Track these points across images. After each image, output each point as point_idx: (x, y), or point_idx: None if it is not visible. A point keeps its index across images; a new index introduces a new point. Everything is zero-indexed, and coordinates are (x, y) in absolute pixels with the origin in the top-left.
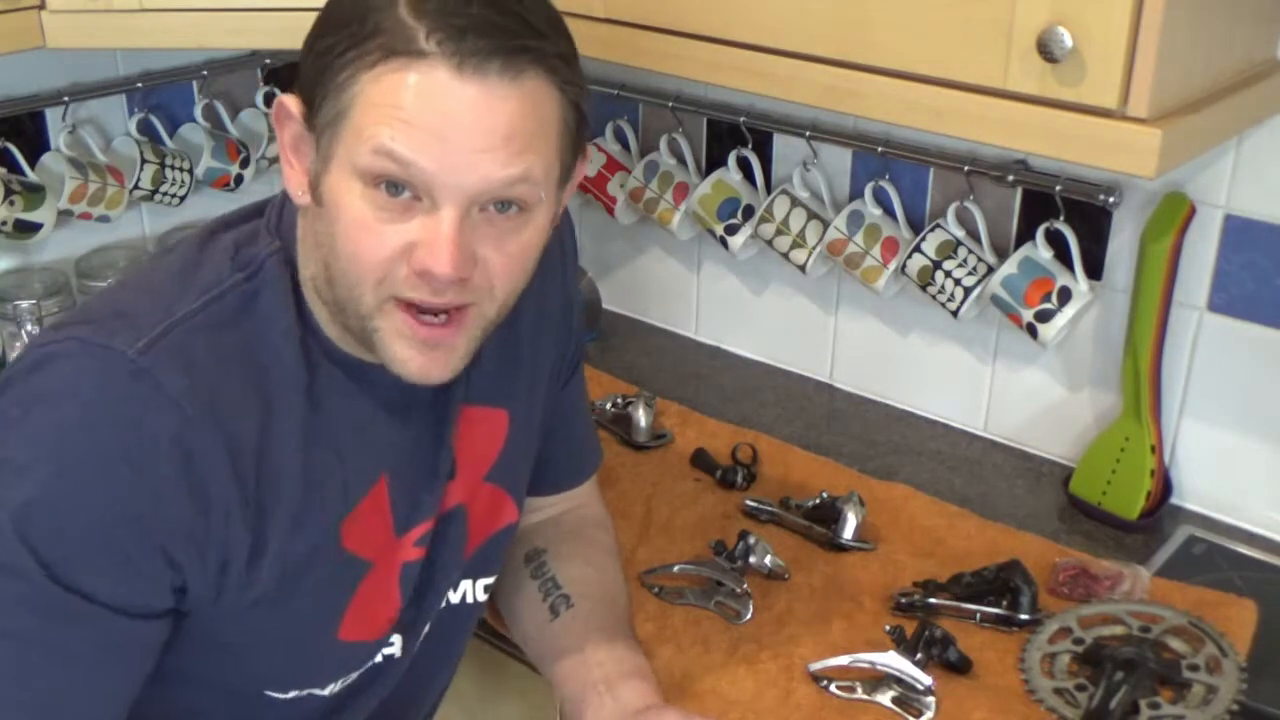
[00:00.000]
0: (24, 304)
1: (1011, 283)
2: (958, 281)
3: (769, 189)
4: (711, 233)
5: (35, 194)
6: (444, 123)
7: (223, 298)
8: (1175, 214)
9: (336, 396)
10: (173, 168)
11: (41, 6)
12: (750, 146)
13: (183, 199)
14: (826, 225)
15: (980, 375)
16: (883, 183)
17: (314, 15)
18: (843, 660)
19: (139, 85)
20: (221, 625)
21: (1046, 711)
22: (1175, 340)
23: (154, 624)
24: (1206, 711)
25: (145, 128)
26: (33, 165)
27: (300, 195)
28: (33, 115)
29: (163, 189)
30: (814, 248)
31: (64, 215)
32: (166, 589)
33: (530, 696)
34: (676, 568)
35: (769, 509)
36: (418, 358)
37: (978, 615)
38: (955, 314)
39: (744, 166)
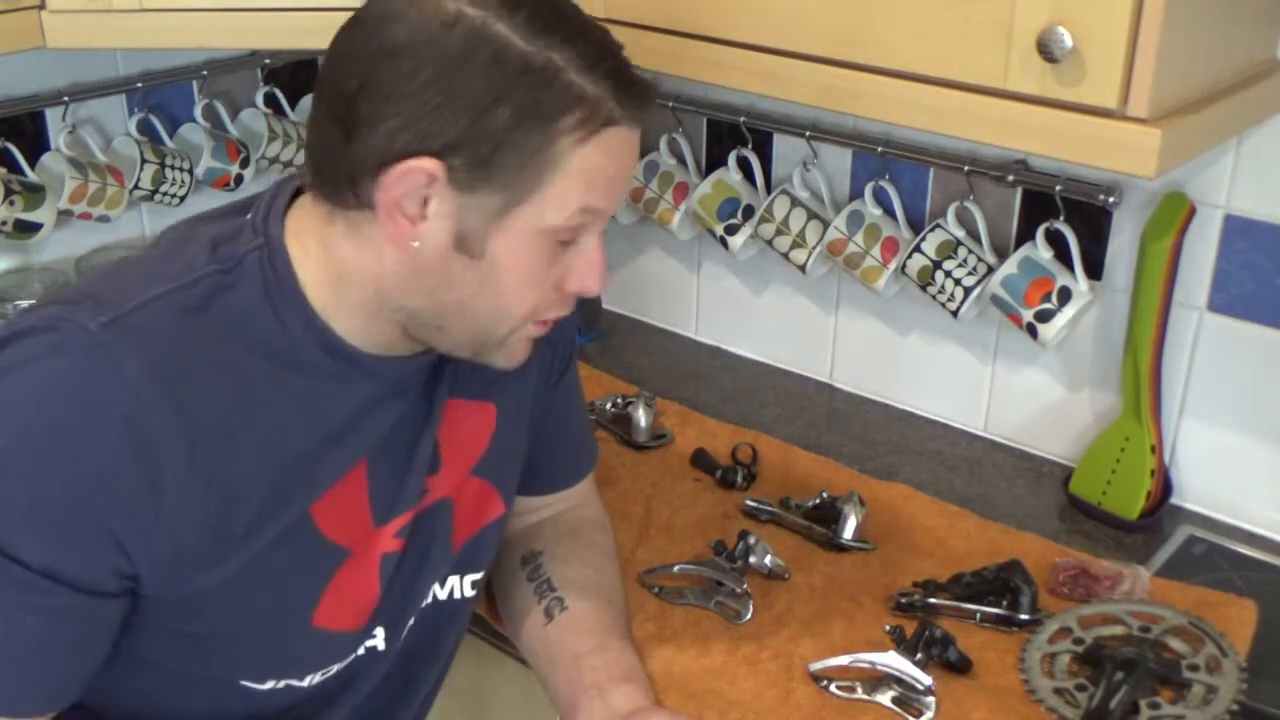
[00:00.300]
0: (24, 304)
1: (1011, 283)
2: (958, 281)
3: (769, 189)
4: (711, 233)
5: (35, 194)
6: (628, 170)
7: (194, 285)
8: (1175, 214)
9: (322, 384)
10: (173, 168)
11: (41, 6)
12: (750, 146)
13: (183, 199)
14: (826, 225)
15: (980, 375)
16: (883, 183)
17: (314, 15)
18: (843, 660)
19: (139, 85)
20: (192, 609)
21: (1046, 711)
22: (1175, 340)
23: (106, 602)
24: (1206, 711)
25: (145, 128)
26: (33, 165)
27: (410, 245)
28: (33, 115)
29: (163, 189)
30: (814, 248)
31: (64, 215)
32: (111, 567)
33: (527, 693)
34: (676, 568)
35: (769, 509)
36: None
37: (978, 615)
38: (955, 314)
39: (744, 166)
